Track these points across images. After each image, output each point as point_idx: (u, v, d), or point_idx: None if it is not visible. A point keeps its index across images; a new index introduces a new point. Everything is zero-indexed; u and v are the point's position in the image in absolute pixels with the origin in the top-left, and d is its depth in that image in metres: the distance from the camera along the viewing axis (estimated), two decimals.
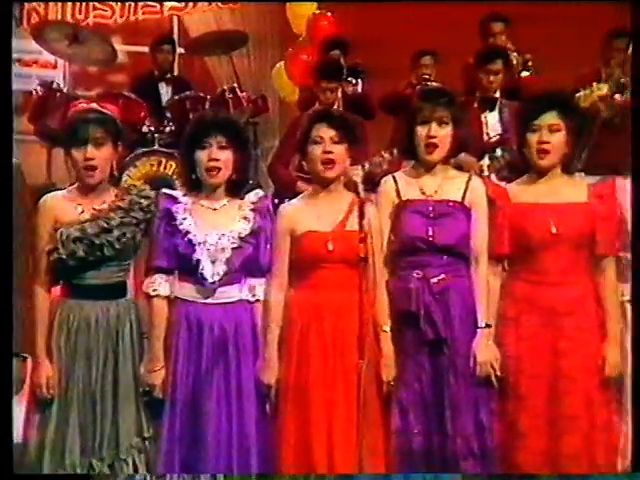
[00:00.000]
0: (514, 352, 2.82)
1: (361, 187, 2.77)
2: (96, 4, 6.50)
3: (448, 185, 2.92)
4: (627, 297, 2.84)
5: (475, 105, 4.63)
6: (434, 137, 2.87)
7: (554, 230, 2.81)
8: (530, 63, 5.07)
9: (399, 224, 2.91)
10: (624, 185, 2.89)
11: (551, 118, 2.83)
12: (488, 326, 2.84)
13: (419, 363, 2.83)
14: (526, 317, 2.83)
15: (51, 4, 6.35)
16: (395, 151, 4.04)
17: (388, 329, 2.84)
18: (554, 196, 2.86)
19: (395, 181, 2.96)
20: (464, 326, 2.85)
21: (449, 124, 2.88)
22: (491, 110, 4.64)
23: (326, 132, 2.85)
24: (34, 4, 6.28)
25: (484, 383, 2.82)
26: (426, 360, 2.83)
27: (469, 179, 2.95)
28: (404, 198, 2.92)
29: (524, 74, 5.09)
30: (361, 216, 2.71)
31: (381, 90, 5.38)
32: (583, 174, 3.74)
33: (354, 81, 5.19)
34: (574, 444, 2.74)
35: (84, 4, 6.45)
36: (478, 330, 2.84)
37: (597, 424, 2.76)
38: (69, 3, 6.39)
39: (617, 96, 4.66)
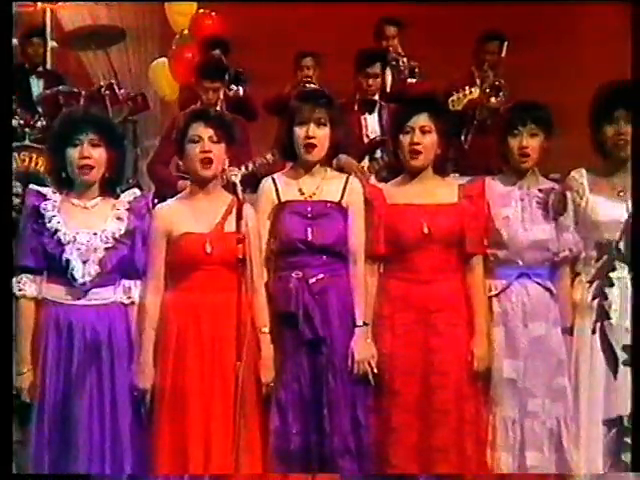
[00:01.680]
0: (389, 349, 2.95)
1: (239, 188, 2.81)
2: None
3: (327, 186, 3.02)
4: (494, 292, 3.01)
5: (355, 107, 4.78)
6: (312, 138, 2.96)
7: (426, 230, 2.95)
8: (417, 70, 5.26)
9: (278, 225, 2.98)
10: (493, 185, 3.07)
11: (422, 120, 2.97)
12: (365, 324, 2.96)
13: (298, 363, 2.92)
14: (400, 315, 2.96)
15: None
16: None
17: (267, 330, 2.91)
18: (426, 197, 3.01)
19: (274, 182, 3.04)
20: (342, 325, 2.96)
21: (327, 125, 2.98)
22: (370, 112, 4.80)
23: (204, 131, 2.89)
24: None
25: (361, 381, 2.93)
26: (305, 360, 2.92)
27: (347, 180, 3.06)
28: (283, 199, 3.00)
29: (410, 80, 5.28)
30: (239, 217, 2.76)
31: (265, 91, 5.45)
32: (457, 175, 3.95)
33: (235, 87, 5.24)
34: (444, 437, 2.88)
35: None
36: (356, 329, 2.95)
37: (466, 417, 2.91)
38: None
39: (492, 99, 4.93)
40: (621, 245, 1.67)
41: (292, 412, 2.89)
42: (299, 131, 2.96)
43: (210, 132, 2.88)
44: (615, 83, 3.00)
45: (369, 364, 2.93)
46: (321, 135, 2.96)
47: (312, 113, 2.95)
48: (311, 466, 2.88)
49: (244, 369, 2.67)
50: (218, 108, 4.60)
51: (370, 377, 2.93)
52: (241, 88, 5.26)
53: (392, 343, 2.96)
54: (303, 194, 3.00)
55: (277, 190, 3.01)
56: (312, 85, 5.07)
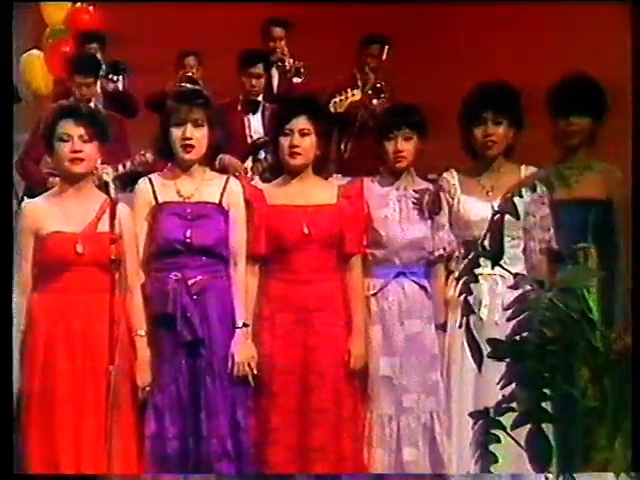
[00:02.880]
0: (269, 350, 2.98)
1: (112, 187, 2.77)
2: None
3: (206, 187, 3.02)
4: (372, 291, 3.09)
5: (239, 107, 4.79)
6: (190, 139, 2.95)
7: (306, 231, 2.99)
8: (302, 70, 5.31)
9: (156, 226, 2.97)
10: (371, 186, 3.14)
11: (301, 122, 3.02)
12: (246, 325, 2.98)
13: (176, 366, 2.90)
14: (280, 315, 3.00)
15: None
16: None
17: (143, 333, 2.89)
18: (306, 198, 3.06)
19: (151, 183, 3.02)
20: (223, 326, 2.97)
21: (204, 125, 2.97)
22: (254, 113, 4.84)
23: (74, 129, 2.84)
24: None
25: (241, 382, 2.94)
26: (183, 362, 2.91)
27: (227, 181, 3.07)
28: (161, 200, 2.99)
29: (296, 80, 5.32)
30: (112, 217, 2.73)
31: (147, 87, 5.36)
32: (340, 176, 4.02)
33: (114, 78, 5.13)
34: (323, 437, 2.93)
35: None
36: (236, 330, 2.96)
37: (344, 416, 2.97)
38: None
39: (374, 101, 5.04)
40: (486, 242, 1.74)
41: (169, 416, 2.88)
42: (176, 132, 2.96)
43: (81, 131, 2.83)
44: (482, 85, 3.14)
45: (249, 365, 2.95)
46: (199, 136, 2.96)
47: (189, 114, 2.95)
48: (188, 470, 2.87)
49: (118, 372, 2.65)
50: (93, 104, 4.50)
51: (250, 378, 2.95)
52: (120, 80, 5.15)
53: (272, 344, 2.99)
54: (181, 195, 3.00)
55: (154, 191, 3.00)
56: (190, 85, 5.03)
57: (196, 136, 2.95)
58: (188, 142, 2.94)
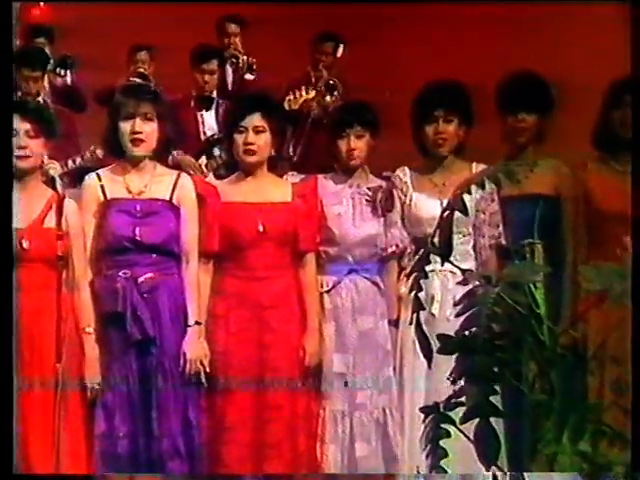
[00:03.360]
0: (223, 348, 2.97)
1: (58, 182, 2.74)
2: None
3: (156, 183, 3.00)
4: (325, 288, 3.10)
5: (192, 104, 4.76)
6: (139, 132, 2.93)
7: (261, 228, 3.00)
8: (255, 66, 5.29)
9: (104, 223, 2.94)
10: (325, 183, 3.15)
11: (256, 120, 3.02)
12: (198, 323, 2.96)
13: (126, 364, 2.89)
14: (235, 312, 3.00)
15: None
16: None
17: (91, 330, 2.86)
18: (261, 195, 3.06)
19: (99, 178, 2.99)
20: (174, 325, 2.96)
21: (154, 120, 2.95)
22: (208, 109, 4.81)
23: (19, 125, 2.81)
24: None
25: (193, 381, 2.93)
26: (133, 361, 2.89)
27: (178, 177, 3.05)
28: (109, 197, 2.96)
29: (248, 76, 5.30)
30: (59, 213, 2.69)
31: (98, 83, 5.29)
32: (296, 173, 4.01)
33: (62, 72, 5.05)
34: (277, 434, 2.94)
35: None
36: (188, 328, 2.95)
37: (298, 413, 2.99)
38: None
39: (327, 98, 5.05)
40: (435, 239, 1.74)
41: (119, 414, 2.86)
42: (125, 126, 2.93)
43: (27, 126, 2.81)
44: (433, 83, 3.16)
45: (201, 363, 2.94)
46: (148, 130, 2.95)
47: (137, 107, 2.93)
48: (139, 469, 2.86)
49: (66, 370, 2.61)
50: (41, 99, 4.42)
51: (202, 377, 2.93)
52: (69, 74, 5.07)
53: (226, 341, 2.99)
54: (131, 192, 2.97)
55: (102, 187, 2.97)
56: (139, 80, 4.98)
57: (145, 130, 2.93)
58: (137, 136, 2.92)
